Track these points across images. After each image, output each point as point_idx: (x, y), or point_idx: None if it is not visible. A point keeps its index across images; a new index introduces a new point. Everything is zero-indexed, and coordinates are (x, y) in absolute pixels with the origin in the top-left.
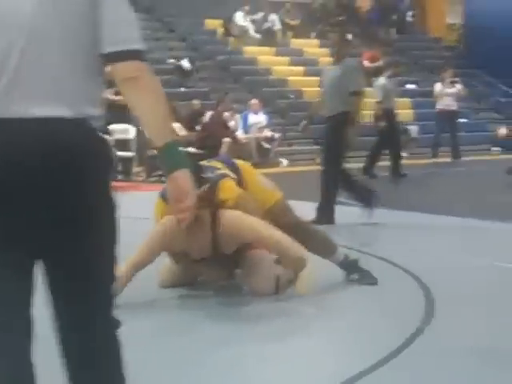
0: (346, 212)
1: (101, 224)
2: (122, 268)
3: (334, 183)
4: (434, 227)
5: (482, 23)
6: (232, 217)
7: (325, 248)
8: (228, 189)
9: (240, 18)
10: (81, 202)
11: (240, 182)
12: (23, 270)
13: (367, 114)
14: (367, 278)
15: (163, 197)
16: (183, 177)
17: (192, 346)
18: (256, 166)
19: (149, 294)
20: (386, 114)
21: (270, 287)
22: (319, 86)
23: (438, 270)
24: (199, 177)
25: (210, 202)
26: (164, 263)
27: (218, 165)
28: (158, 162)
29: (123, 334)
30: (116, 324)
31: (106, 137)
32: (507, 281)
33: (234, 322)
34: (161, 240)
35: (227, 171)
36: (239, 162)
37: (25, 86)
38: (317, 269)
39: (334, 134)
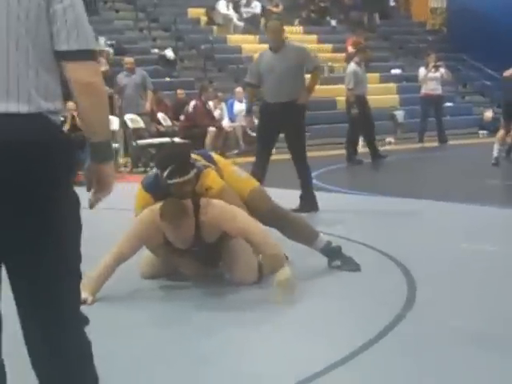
0: (328, 198)
1: (60, 219)
2: (103, 262)
3: (308, 169)
4: (418, 212)
5: (465, 6)
6: (216, 207)
7: (305, 235)
8: (212, 178)
9: (223, 7)
10: (37, 197)
11: (219, 174)
12: None
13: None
14: (349, 265)
15: (145, 186)
16: (108, 168)
17: (176, 336)
18: (243, 154)
19: (131, 287)
20: (359, 100)
21: (252, 276)
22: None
23: (420, 255)
24: (187, 161)
25: (193, 190)
26: (144, 255)
27: (197, 158)
28: (91, 152)
29: (108, 326)
30: (83, 321)
31: None
32: (490, 264)
33: (218, 311)
34: (141, 233)
35: (206, 163)
36: (215, 156)
37: None
38: (299, 255)
39: (299, 118)
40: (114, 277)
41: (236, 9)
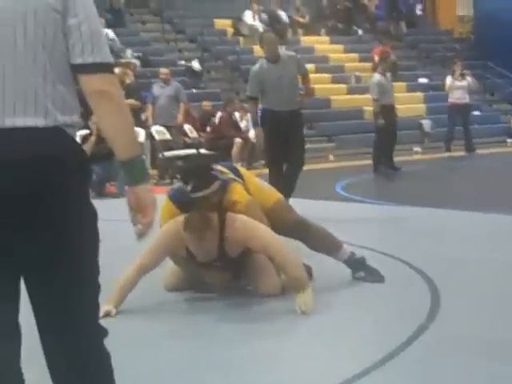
0: (353, 208)
1: (76, 232)
2: (125, 274)
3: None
4: (443, 222)
5: (492, 14)
6: (242, 223)
7: (328, 245)
8: (239, 192)
9: (249, 17)
10: (53, 211)
11: (246, 188)
12: (7, 280)
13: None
14: (374, 276)
15: (171, 198)
16: (144, 191)
17: (200, 347)
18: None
19: (155, 299)
20: (386, 109)
21: (276, 288)
22: (332, 83)
23: (444, 265)
24: (209, 174)
25: (219, 204)
26: (168, 267)
27: (224, 170)
28: (123, 173)
29: (131, 338)
30: (102, 333)
31: None
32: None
33: (241, 323)
34: (165, 244)
35: (233, 176)
36: (240, 168)
37: None
38: (322, 266)
39: (302, 125)
40: (137, 288)
41: (260, 18)
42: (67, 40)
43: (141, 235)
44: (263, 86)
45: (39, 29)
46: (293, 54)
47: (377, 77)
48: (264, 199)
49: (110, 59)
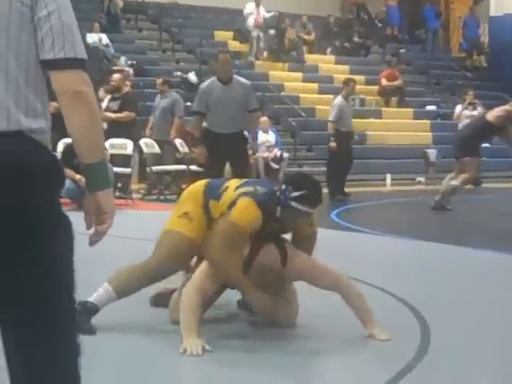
0: (344, 237)
1: (49, 250)
2: (191, 299)
3: None
4: (437, 255)
5: (508, 45)
6: (303, 261)
7: None
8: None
9: (253, 31)
10: (15, 220)
11: None
12: None
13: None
14: None
15: (258, 201)
16: (106, 198)
17: None
18: None
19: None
20: (342, 136)
21: (294, 320)
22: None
23: (438, 302)
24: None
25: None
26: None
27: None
28: (84, 177)
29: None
30: (77, 352)
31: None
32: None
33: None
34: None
35: None
36: None
37: None
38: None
39: (245, 148)
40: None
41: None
42: (36, 34)
43: (93, 242)
44: (207, 103)
45: (3, 23)
46: (247, 83)
47: (339, 100)
48: None
49: (84, 55)
